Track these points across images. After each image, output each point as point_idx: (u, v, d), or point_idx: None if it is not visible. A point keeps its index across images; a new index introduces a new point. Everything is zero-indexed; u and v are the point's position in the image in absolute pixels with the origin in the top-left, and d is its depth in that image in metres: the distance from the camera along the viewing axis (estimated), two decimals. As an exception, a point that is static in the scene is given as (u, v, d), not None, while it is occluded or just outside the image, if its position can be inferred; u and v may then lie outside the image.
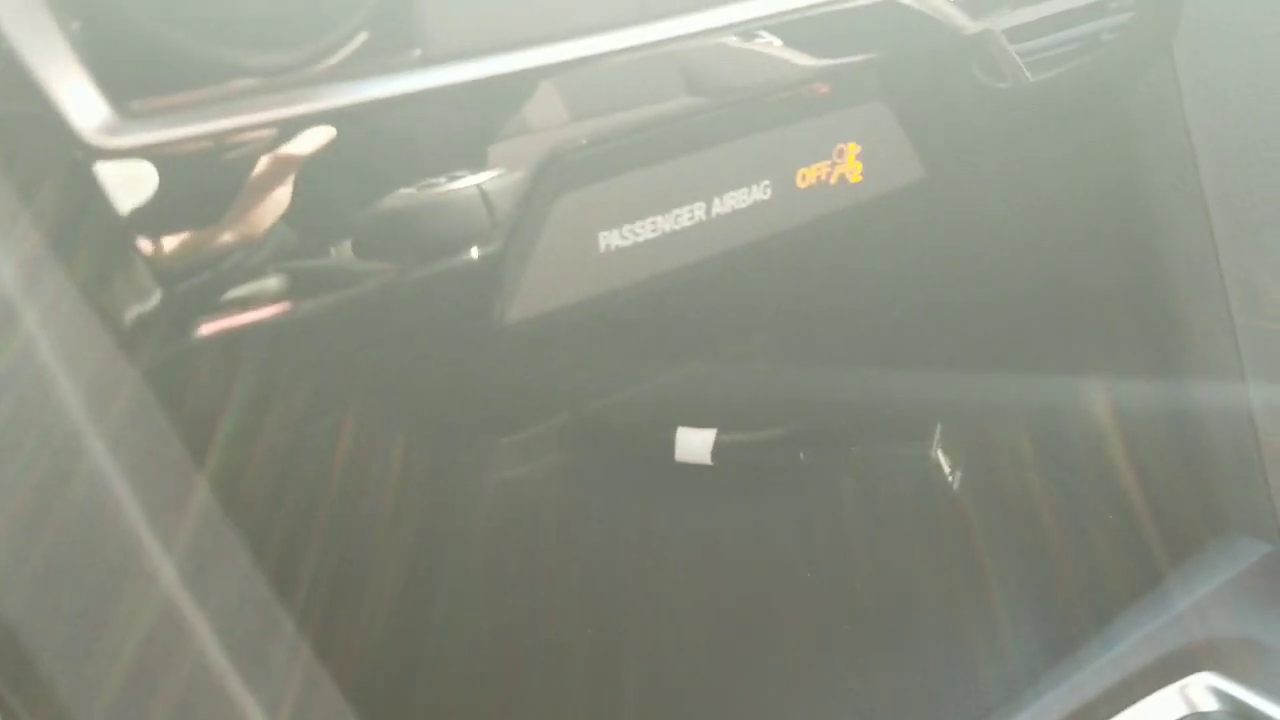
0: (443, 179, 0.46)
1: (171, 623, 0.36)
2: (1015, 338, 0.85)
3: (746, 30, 0.51)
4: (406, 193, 0.45)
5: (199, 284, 0.42)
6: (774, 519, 0.84)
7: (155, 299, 0.40)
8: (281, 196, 0.41)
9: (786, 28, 0.53)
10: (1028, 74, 0.62)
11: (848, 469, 0.81)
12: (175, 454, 0.39)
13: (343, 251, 0.45)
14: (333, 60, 0.40)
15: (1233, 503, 0.71)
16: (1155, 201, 0.73)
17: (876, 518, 0.82)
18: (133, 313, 0.39)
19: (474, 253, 0.48)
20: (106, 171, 0.37)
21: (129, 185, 0.38)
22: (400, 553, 0.72)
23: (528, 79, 0.44)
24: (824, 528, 0.82)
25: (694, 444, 0.86)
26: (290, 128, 0.39)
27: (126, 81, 0.36)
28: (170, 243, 0.40)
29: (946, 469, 0.77)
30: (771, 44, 0.53)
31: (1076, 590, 0.74)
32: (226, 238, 0.41)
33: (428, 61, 0.42)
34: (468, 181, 0.46)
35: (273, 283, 0.44)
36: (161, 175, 0.38)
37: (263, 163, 0.40)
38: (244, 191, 0.40)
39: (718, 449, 0.85)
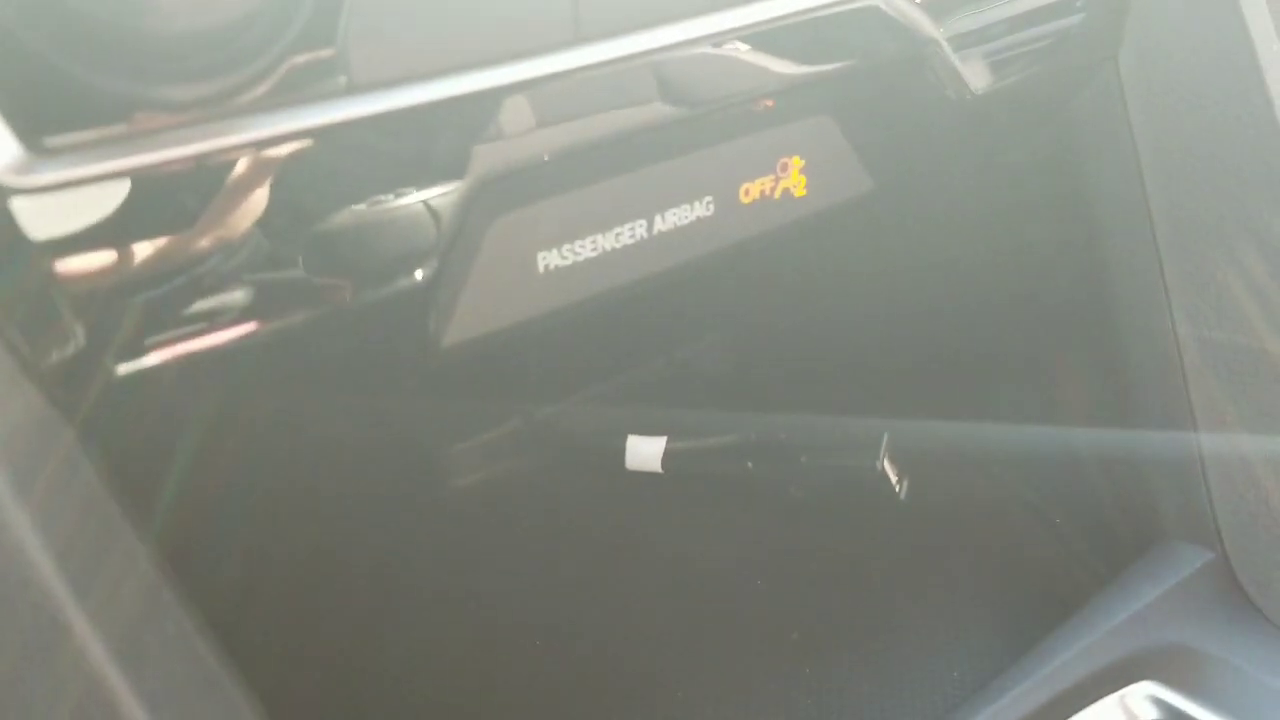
0: (390, 196, 0.45)
1: (101, 705, 0.35)
2: (960, 347, 0.85)
3: (681, 49, 0.50)
4: (356, 209, 0.44)
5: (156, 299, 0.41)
6: (725, 526, 0.84)
7: (83, 346, 0.39)
8: (258, 200, 0.41)
9: (754, 39, 0.52)
10: (970, 86, 0.62)
11: (795, 478, 0.82)
12: (105, 512, 0.38)
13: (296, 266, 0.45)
14: (256, 91, 0.39)
15: (1174, 510, 0.72)
16: (1100, 210, 0.73)
17: (824, 527, 0.82)
18: (62, 364, 0.39)
19: (417, 275, 0.48)
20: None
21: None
22: (355, 580, 0.71)
23: (454, 106, 0.44)
24: (774, 536, 0.82)
25: (645, 452, 0.86)
26: (212, 161, 0.39)
27: (40, 118, 0.35)
28: (143, 249, 0.39)
29: (893, 479, 0.77)
30: (732, 56, 0.52)
31: (1018, 599, 0.74)
32: (203, 243, 0.41)
33: (353, 89, 0.41)
34: (415, 198, 0.46)
35: (237, 295, 0.43)
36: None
37: (240, 166, 0.40)
38: (220, 195, 0.40)
39: (668, 457, 0.85)
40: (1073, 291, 0.76)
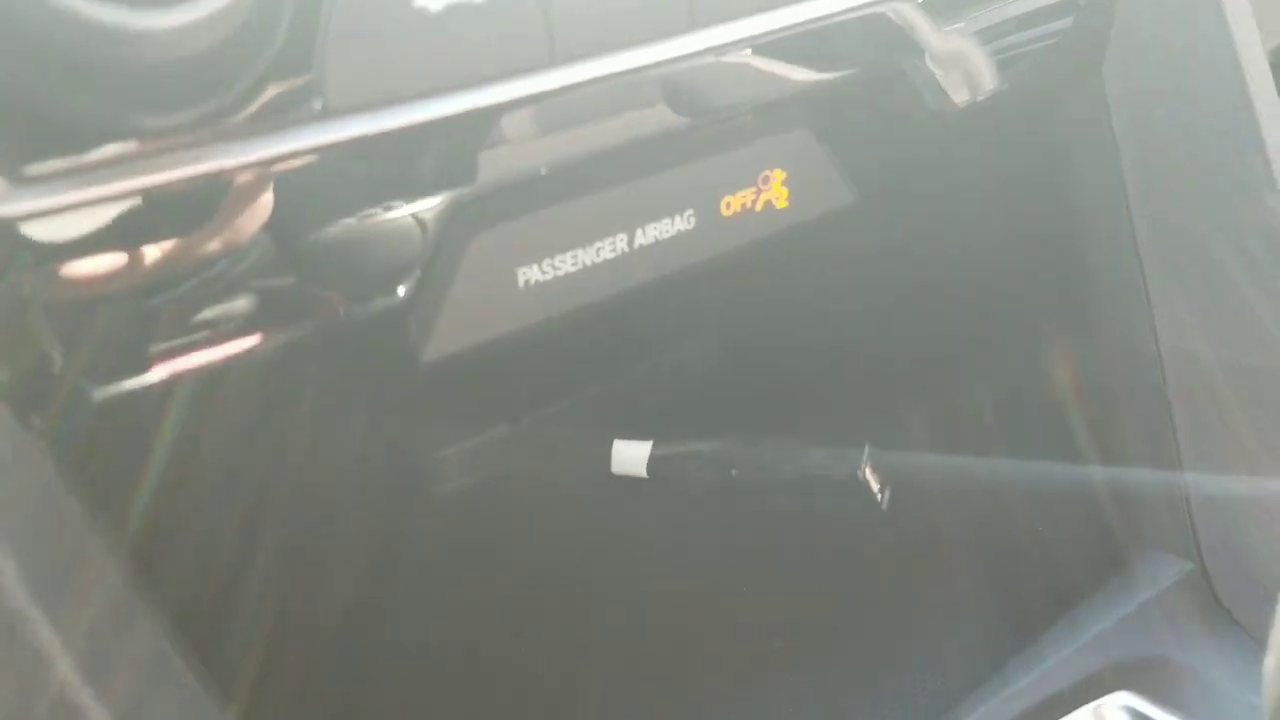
0: (368, 216, 0.46)
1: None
2: (942, 355, 0.85)
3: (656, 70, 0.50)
4: (335, 229, 0.45)
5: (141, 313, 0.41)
6: (709, 532, 0.84)
7: (55, 363, 0.40)
8: (236, 222, 0.41)
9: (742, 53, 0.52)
10: (955, 96, 0.63)
11: (779, 487, 0.82)
12: (77, 529, 0.38)
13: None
14: (233, 117, 0.39)
15: (1153, 521, 0.72)
16: (1083, 224, 0.74)
17: (808, 535, 0.83)
18: (33, 381, 0.39)
19: (397, 293, 0.48)
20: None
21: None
22: (336, 590, 0.72)
23: (430, 129, 0.44)
24: (757, 543, 0.83)
25: (630, 457, 0.86)
26: (189, 186, 0.39)
27: (17, 146, 0.35)
28: (118, 269, 0.39)
29: (875, 488, 0.78)
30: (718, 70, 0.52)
31: (998, 610, 0.75)
32: (177, 263, 0.41)
33: (330, 113, 0.41)
34: (393, 217, 0.46)
35: (213, 314, 0.44)
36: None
37: (217, 190, 0.40)
38: (196, 217, 0.40)
39: (652, 463, 0.85)
40: (1054, 301, 0.77)
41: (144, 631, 0.41)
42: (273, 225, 0.42)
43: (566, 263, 0.55)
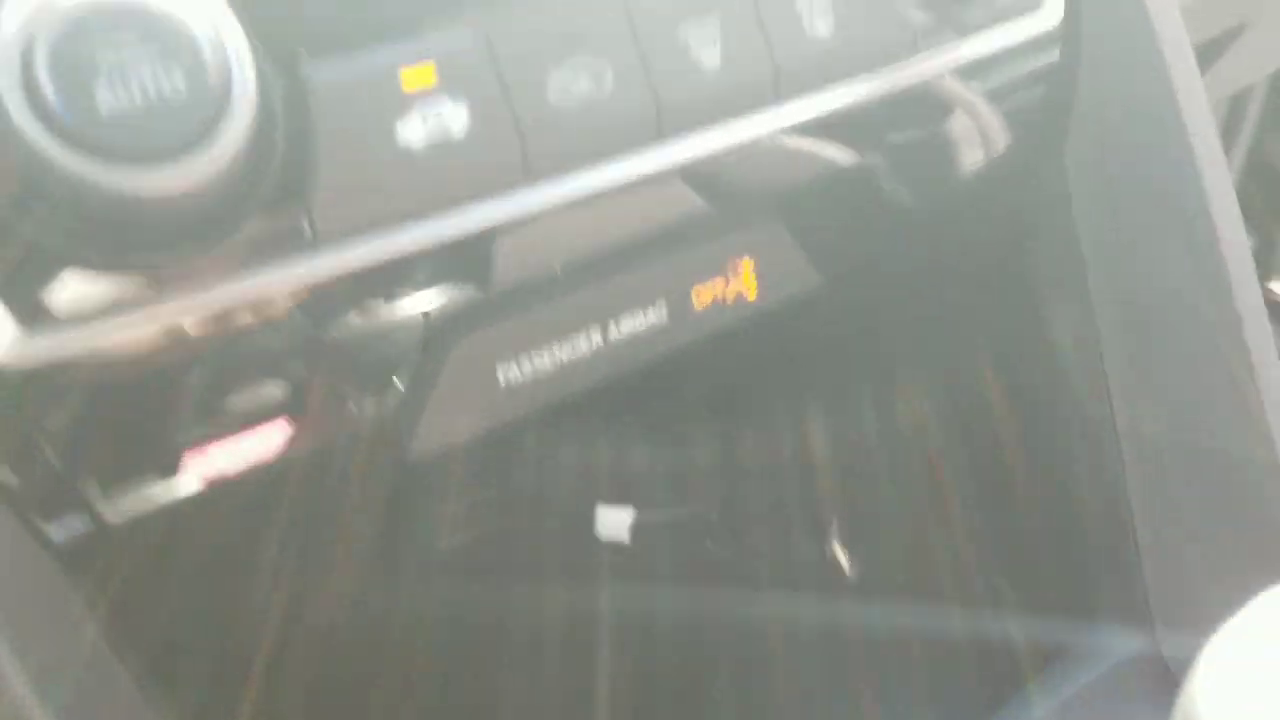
0: (356, 325, 0.49)
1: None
2: (907, 431, 0.87)
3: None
4: (325, 340, 0.48)
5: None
6: (686, 601, 0.86)
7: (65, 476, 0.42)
8: (234, 344, 0.44)
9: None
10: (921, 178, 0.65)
11: (749, 557, 0.84)
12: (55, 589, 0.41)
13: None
14: (229, 249, 0.42)
15: (1108, 595, 0.74)
16: (1043, 308, 0.76)
17: (777, 604, 0.84)
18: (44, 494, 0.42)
19: (382, 399, 0.51)
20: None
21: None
22: (321, 648, 0.73)
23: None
24: (730, 614, 0.84)
25: (613, 522, 0.88)
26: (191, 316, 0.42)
27: (30, 295, 0.38)
28: (128, 388, 0.43)
29: (843, 561, 0.80)
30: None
31: (951, 687, 0.76)
32: (177, 382, 0.44)
33: (320, 241, 0.44)
34: (379, 328, 0.49)
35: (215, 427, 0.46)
36: None
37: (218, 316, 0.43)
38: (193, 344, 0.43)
39: (635, 529, 0.87)
40: (1015, 384, 0.79)
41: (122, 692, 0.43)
42: (268, 344, 0.46)
43: (544, 360, 0.58)
